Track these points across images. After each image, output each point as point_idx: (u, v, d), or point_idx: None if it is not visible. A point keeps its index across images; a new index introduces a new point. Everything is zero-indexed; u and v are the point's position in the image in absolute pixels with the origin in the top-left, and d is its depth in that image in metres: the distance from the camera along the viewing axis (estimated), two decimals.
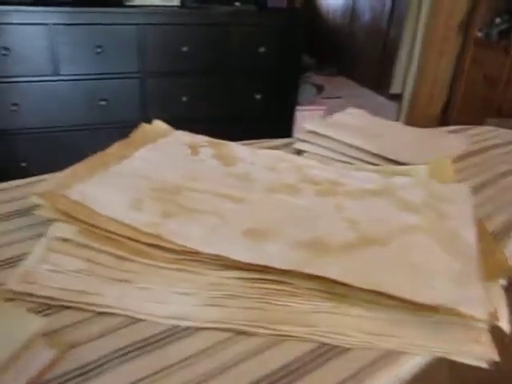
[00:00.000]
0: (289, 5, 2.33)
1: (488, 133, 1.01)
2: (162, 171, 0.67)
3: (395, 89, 3.06)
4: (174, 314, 0.47)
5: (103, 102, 2.04)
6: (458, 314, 0.44)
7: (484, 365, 0.44)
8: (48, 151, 1.98)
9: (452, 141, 0.88)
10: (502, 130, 1.03)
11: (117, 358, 0.42)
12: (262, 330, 0.45)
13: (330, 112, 2.99)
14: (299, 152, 0.82)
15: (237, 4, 2.17)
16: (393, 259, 0.51)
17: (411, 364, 0.43)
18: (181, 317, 0.47)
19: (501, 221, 0.67)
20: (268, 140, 0.87)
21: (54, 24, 1.81)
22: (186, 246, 0.52)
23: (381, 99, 3.62)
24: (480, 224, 0.60)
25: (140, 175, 0.65)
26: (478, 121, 2.52)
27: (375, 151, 0.78)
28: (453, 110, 2.50)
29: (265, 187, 0.66)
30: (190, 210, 0.59)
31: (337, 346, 0.44)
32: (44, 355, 0.40)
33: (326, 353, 0.44)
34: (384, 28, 3.54)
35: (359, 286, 0.46)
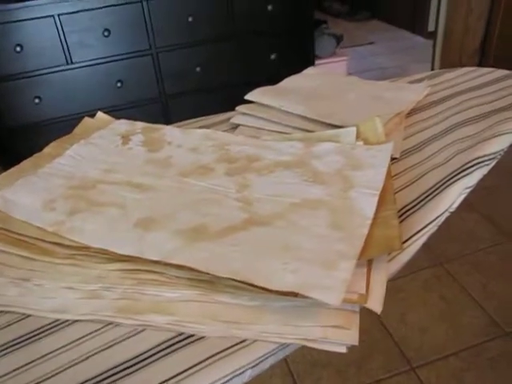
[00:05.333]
0: None
1: (464, 75, 0.91)
2: (85, 167, 0.69)
3: (432, 26, 2.81)
4: (56, 308, 0.50)
5: (120, 84, 2.10)
6: (312, 299, 0.42)
7: (343, 350, 0.42)
8: None
9: (407, 93, 0.81)
10: (483, 70, 0.92)
11: None
12: (125, 321, 0.47)
13: (353, 61, 2.84)
14: (237, 126, 0.80)
15: None
16: (270, 241, 0.50)
17: (263, 352, 0.43)
18: (62, 310, 0.50)
19: (431, 182, 0.62)
20: (212, 116, 0.85)
21: (59, 14, 1.87)
22: (78, 242, 0.55)
23: (418, 39, 3.36)
24: (388, 191, 0.56)
25: (63, 174, 0.67)
26: None
27: (310, 116, 0.74)
28: (491, 40, 2.25)
29: (178, 171, 0.65)
30: (96, 203, 0.61)
31: (193, 335, 0.45)
32: None
33: (180, 341, 0.45)
34: None
35: (215, 273, 0.46)
